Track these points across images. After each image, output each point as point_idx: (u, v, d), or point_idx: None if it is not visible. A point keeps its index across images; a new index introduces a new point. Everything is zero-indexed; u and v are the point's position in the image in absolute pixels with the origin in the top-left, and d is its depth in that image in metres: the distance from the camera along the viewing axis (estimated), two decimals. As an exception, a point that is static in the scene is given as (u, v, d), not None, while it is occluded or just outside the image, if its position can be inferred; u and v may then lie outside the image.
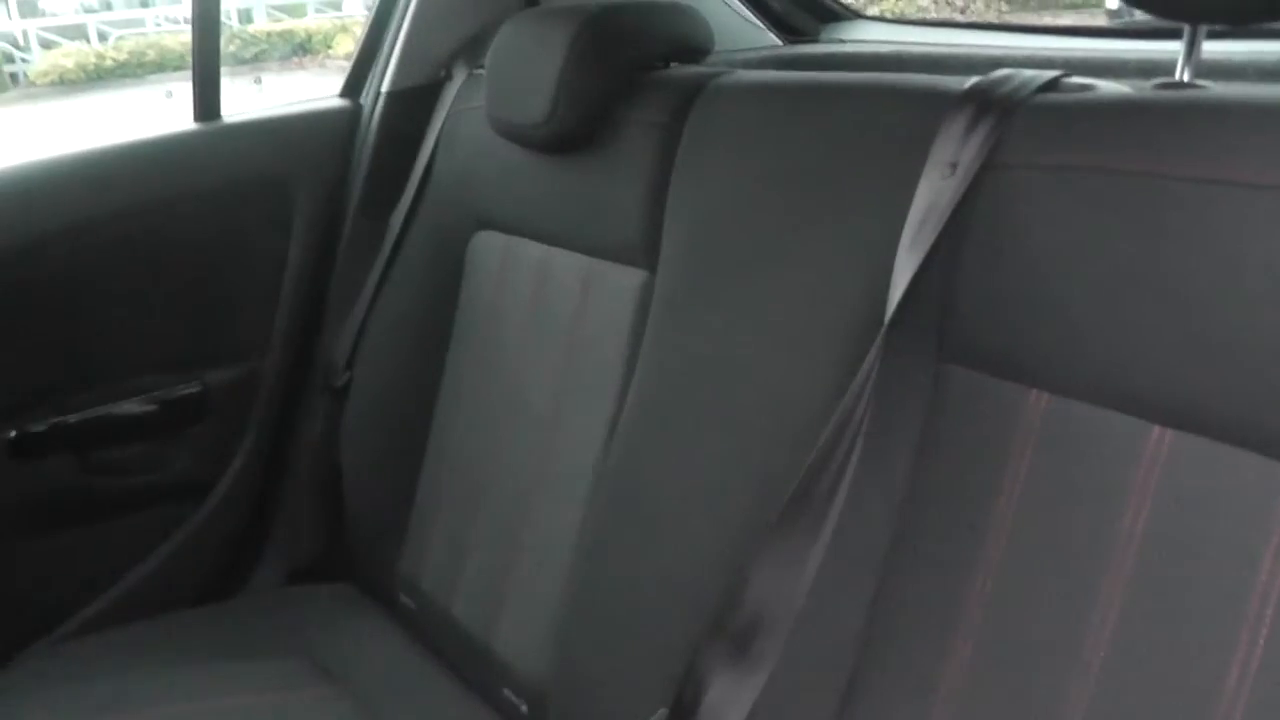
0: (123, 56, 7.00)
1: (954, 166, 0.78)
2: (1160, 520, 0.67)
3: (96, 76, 6.77)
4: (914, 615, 0.77)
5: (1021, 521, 0.73)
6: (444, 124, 1.36)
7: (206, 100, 1.42)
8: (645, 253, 1.05)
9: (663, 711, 0.81)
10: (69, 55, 7.01)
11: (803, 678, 0.80)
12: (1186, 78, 0.79)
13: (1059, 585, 0.70)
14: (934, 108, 0.81)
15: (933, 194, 0.79)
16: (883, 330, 0.76)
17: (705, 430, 0.93)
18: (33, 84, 6.83)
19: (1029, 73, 0.81)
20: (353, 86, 1.50)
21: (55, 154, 1.35)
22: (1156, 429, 0.68)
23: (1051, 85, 0.80)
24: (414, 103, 1.42)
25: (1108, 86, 0.80)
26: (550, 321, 1.16)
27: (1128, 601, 0.67)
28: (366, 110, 1.47)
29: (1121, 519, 0.68)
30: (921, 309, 0.78)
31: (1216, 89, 0.75)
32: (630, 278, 1.07)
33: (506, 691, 1.11)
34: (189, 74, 1.43)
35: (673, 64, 1.15)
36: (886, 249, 0.79)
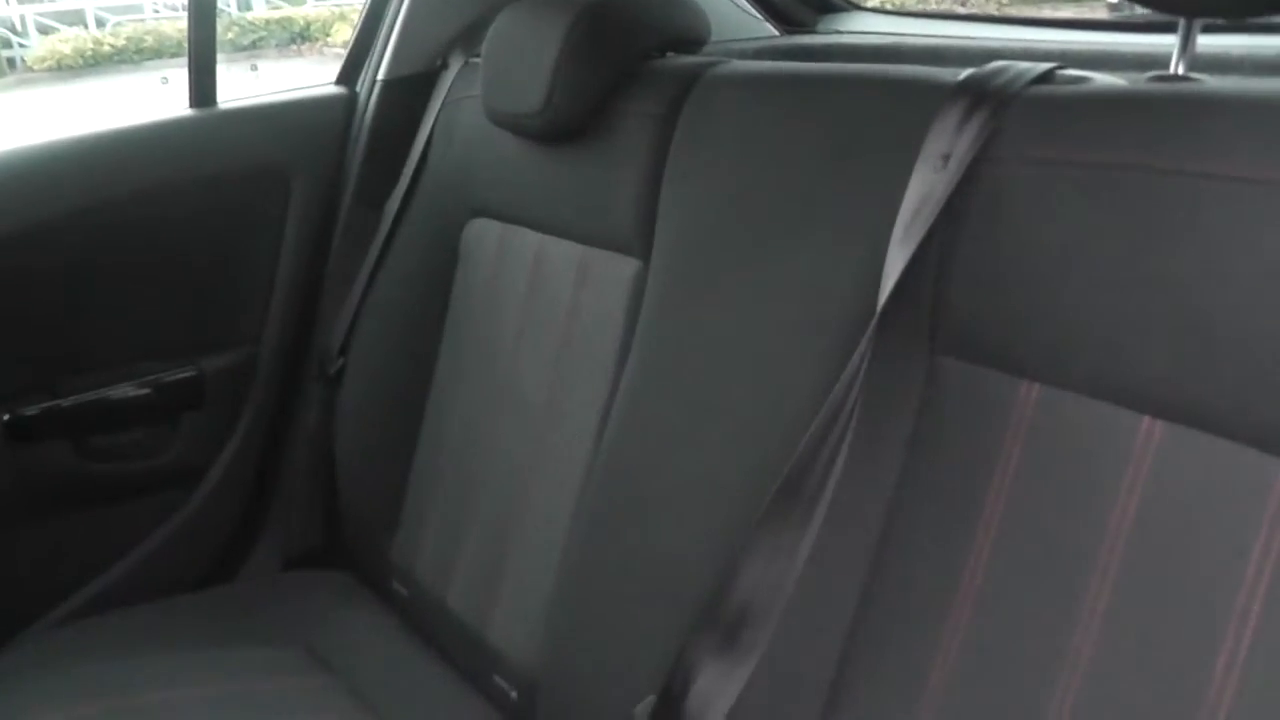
0: (121, 42, 6.98)
1: (947, 159, 0.78)
2: (1150, 512, 0.67)
3: (94, 62, 6.74)
4: (904, 606, 0.77)
5: (1012, 513, 0.73)
6: (440, 112, 1.35)
7: (202, 87, 1.42)
8: (639, 242, 1.05)
9: (650, 700, 0.81)
10: (67, 41, 6.99)
11: (791, 668, 0.80)
12: (1181, 71, 0.79)
13: (1048, 577, 0.70)
14: (928, 99, 0.81)
15: (926, 186, 0.79)
16: (874, 321, 0.77)
17: (697, 420, 0.93)
18: (30, 69, 6.81)
19: (1023, 65, 0.81)
20: (349, 74, 1.50)
21: (49, 139, 1.35)
22: (1148, 421, 0.68)
23: (1046, 78, 0.80)
24: (410, 91, 1.42)
25: (1102, 79, 0.80)
26: (544, 310, 1.16)
27: (1116, 593, 0.67)
28: (362, 98, 1.47)
29: (1112, 511, 0.68)
30: (914, 300, 0.78)
31: (1211, 83, 0.75)
32: (624, 267, 1.07)
33: (497, 679, 1.12)
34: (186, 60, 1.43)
35: (669, 54, 1.15)
36: (880, 240, 0.79)
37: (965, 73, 0.82)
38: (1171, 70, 0.78)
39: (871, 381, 0.77)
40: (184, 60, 1.43)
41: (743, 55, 1.21)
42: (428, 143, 1.36)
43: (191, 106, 1.43)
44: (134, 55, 6.77)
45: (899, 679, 0.76)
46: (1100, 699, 0.67)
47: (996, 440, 0.74)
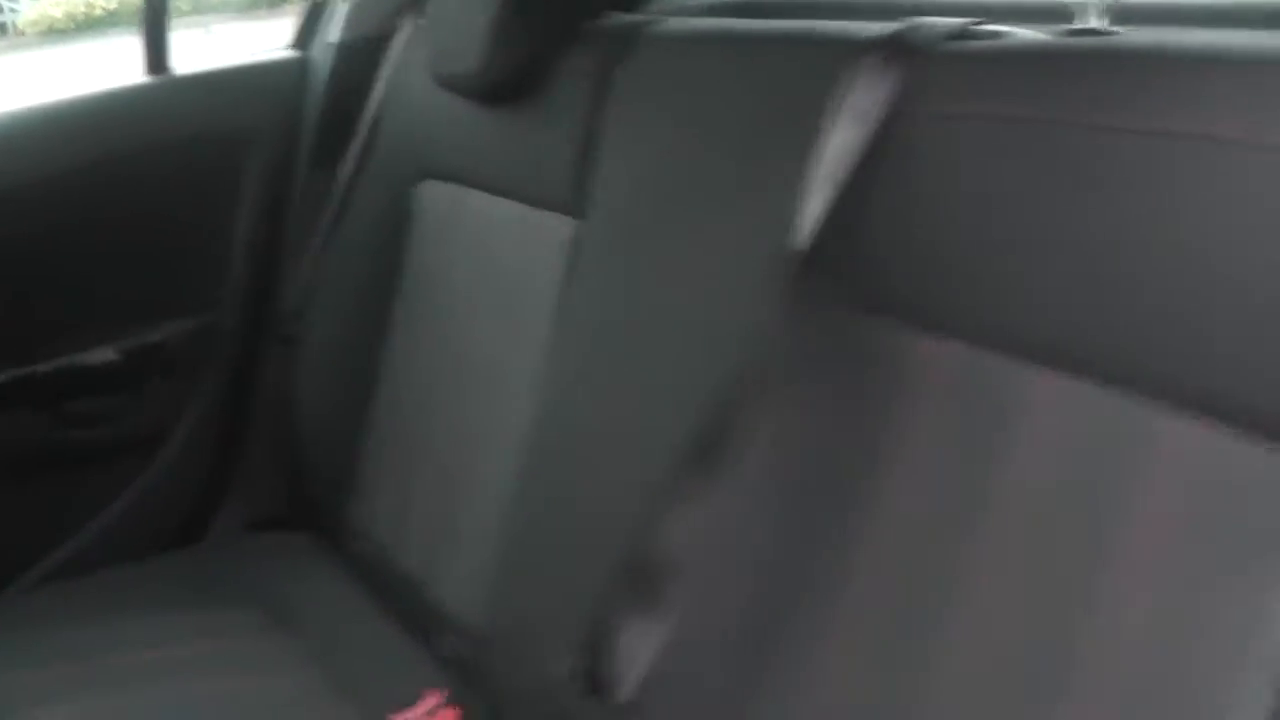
0: (112, 5, 6.92)
1: (864, 114, 0.78)
2: (1053, 467, 0.67)
3: (86, 26, 6.69)
4: (816, 560, 0.78)
5: (918, 466, 0.73)
6: (391, 75, 1.35)
7: (155, 53, 1.42)
8: (577, 201, 1.05)
9: (574, 662, 0.82)
10: (58, 4, 6.93)
11: (712, 621, 0.81)
12: (1099, 23, 0.78)
13: (947, 527, 0.71)
14: (847, 55, 0.81)
15: (843, 142, 0.79)
16: (788, 277, 0.77)
17: (628, 377, 0.94)
18: (22, 34, 6.76)
19: (943, 20, 0.81)
20: (303, 38, 1.49)
21: (5, 109, 1.35)
22: (1055, 375, 0.68)
23: (964, 32, 0.79)
24: (362, 54, 1.41)
25: (1020, 33, 0.80)
26: (489, 271, 1.17)
27: (1014, 544, 0.68)
28: (316, 62, 1.47)
29: (1014, 463, 0.69)
30: (829, 257, 0.78)
31: (1127, 35, 0.74)
32: (564, 226, 1.07)
33: (446, 637, 1.13)
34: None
35: (612, 12, 1.14)
36: (799, 197, 0.79)
37: (885, 28, 0.82)
38: (1089, 23, 0.77)
39: (788, 336, 0.77)
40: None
41: (688, 12, 1.21)
42: (379, 106, 1.35)
43: (147, 73, 1.43)
44: (126, 18, 6.72)
45: (813, 628, 0.77)
46: (991, 648, 0.68)
47: (906, 394, 0.74)
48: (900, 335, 0.76)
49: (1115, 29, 0.77)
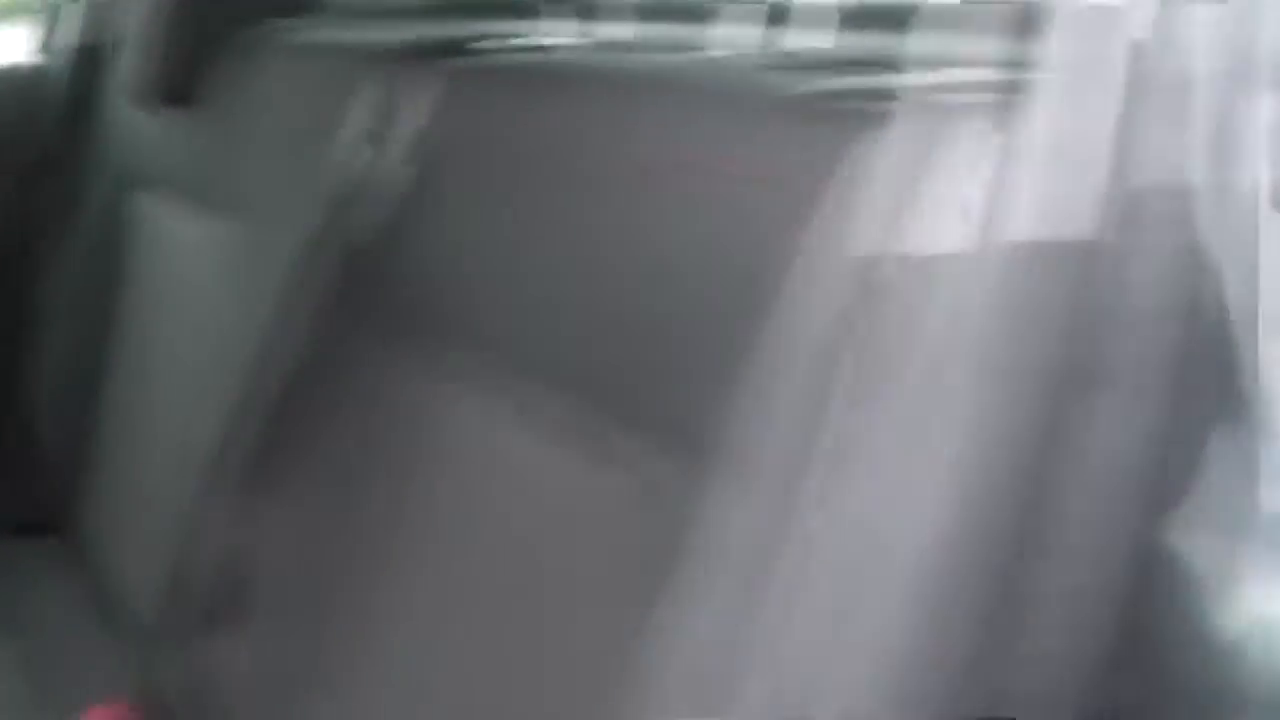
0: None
1: (374, 134, 0.79)
2: (460, 491, 0.69)
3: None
4: (346, 580, 0.79)
5: (410, 492, 0.75)
6: (115, 83, 1.35)
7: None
8: (233, 207, 1.06)
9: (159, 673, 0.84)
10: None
11: (276, 637, 0.83)
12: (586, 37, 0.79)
13: (414, 555, 0.72)
14: (364, 66, 0.82)
15: (357, 160, 0.80)
16: (304, 299, 0.78)
17: (208, 385, 0.96)
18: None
19: (450, 31, 0.82)
20: (46, 43, 1.49)
21: None
22: (504, 404, 0.68)
23: (466, 48, 0.80)
24: (94, 61, 1.41)
25: (523, 52, 0.81)
26: (177, 277, 1.18)
27: (440, 571, 0.69)
28: (55, 69, 1.47)
29: (442, 486, 0.70)
30: (356, 274, 0.79)
31: (613, 57, 0.76)
32: (231, 232, 1.08)
33: (148, 649, 1.15)
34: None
35: (273, 20, 1.15)
36: (333, 210, 0.81)
37: (394, 40, 0.83)
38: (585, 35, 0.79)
39: (309, 356, 0.79)
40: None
41: (355, 15, 1.21)
42: (105, 115, 1.36)
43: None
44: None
45: (349, 659, 0.78)
46: (418, 677, 0.70)
47: (407, 415, 0.76)
48: (393, 359, 0.77)
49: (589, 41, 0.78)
